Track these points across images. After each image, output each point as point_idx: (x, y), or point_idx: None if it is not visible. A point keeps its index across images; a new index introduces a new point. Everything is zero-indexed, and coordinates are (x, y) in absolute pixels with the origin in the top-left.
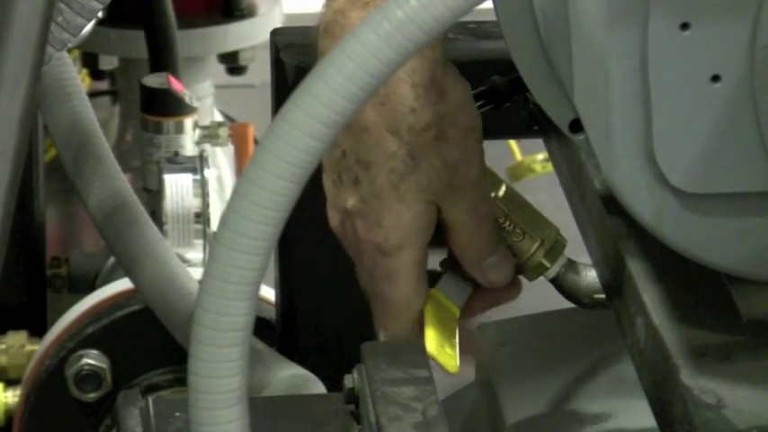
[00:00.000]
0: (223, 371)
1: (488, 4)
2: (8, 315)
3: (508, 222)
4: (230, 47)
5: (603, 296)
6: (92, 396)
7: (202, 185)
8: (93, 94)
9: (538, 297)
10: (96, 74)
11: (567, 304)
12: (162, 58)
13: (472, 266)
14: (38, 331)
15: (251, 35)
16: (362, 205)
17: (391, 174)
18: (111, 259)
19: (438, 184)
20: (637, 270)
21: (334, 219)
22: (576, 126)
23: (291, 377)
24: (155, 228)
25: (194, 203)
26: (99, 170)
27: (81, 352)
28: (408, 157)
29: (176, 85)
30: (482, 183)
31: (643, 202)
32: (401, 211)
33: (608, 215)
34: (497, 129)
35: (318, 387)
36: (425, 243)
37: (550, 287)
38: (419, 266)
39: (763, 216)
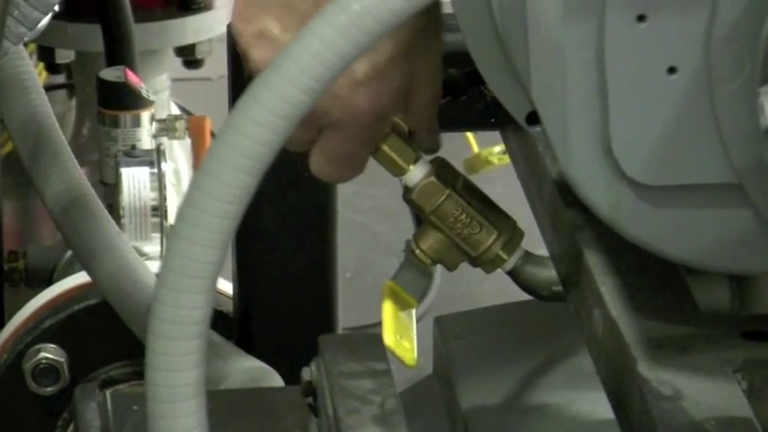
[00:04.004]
0: (181, 364)
1: None
2: None
3: (465, 215)
4: (187, 40)
5: (561, 288)
6: (49, 390)
7: (159, 179)
8: (49, 88)
9: (496, 289)
10: (53, 67)
11: (526, 296)
12: (118, 51)
13: (426, 123)
14: None
15: (208, 28)
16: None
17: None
18: (69, 253)
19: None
20: (594, 262)
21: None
22: (533, 119)
23: (249, 370)
24: (112, 221)
25: (151, 197)
26: (56, 164)
27: (38, 346)
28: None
29: (133, 78)
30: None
31: (600, 194)
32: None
33: (565, 207)
34: (454, 121)
35: (276, 380)
36: None
37: (508, 279)
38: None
39: (720, 207)
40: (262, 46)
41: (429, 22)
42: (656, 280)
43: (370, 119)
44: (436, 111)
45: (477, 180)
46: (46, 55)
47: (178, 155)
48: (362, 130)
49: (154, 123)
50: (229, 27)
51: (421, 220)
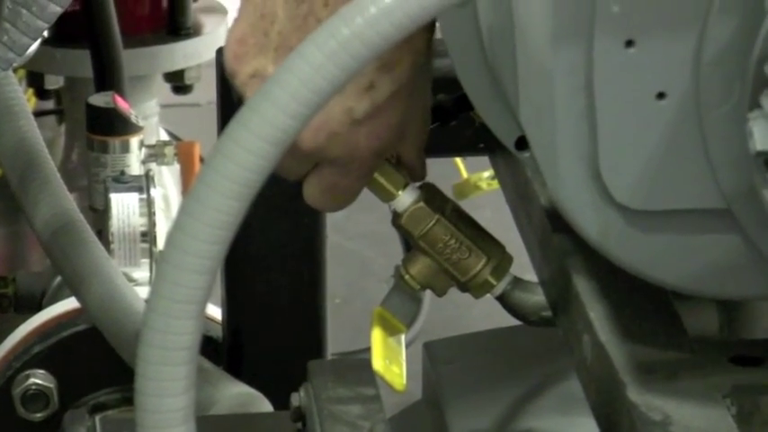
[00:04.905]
0: (170, 389)
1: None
2: None
3: (454, 240)
4: (176, 66)
5: (550, 313)
6: (39, 416)
7: (149, 204)
8: (38, 114)
9: (485, 315)
10: (42, 93)
11: (515, 321)
12: (107, 77)
13: (417, 155)
14: None
15: (197, 54)
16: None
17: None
18: (58, 279)
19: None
20: (583, 287)
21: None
22: (522, 144)
23: (238, 395)
24: (101, 247)
25: (140, 222)
26: (45, 189)
27: (28, 372)
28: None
29: (122, 104)
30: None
31: (589, 219)
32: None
33: (554, 232)
34: (443, 146)
35: (265, 405)
36: None
37: (497, 305)
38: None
39: (709, 233)
40: (258, 86)
41: (428, 57)
42: (645, 305)
43: (369, 156)
44: (426, 139)
45: (466, 205)
46: (35, 81)
47: (167, 180)
48: (360, 166)
49: (143, 149)
50: (218, 53)
51: (410, 245)
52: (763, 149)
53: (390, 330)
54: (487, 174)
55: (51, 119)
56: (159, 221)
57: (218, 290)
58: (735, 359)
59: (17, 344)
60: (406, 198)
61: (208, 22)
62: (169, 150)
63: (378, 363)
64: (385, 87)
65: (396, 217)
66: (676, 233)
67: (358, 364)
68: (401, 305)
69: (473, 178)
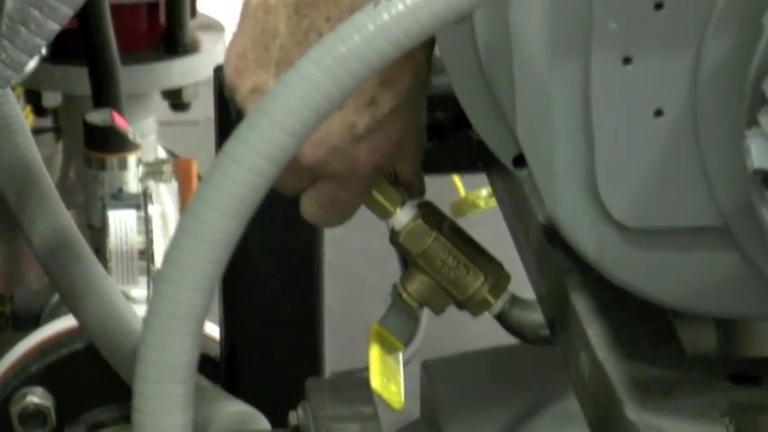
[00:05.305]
0: (168, 408)
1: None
2: None
3: (452, 258)
4: (174, 83)
5: (548, 332)
6: None
7: (146, 222)
8: (36, 131)
9: (482, 333)
10: (40, 111)
11: (512, 340)
12: (105, 94)
13: (415, 174)
14: None
15: (195, 71)
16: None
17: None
18: (56, 297)
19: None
20: (580, 305)
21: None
22: (520, 161)
23: (236, 414)
24: (99, 265)
25: (138, 240)
26: (43, 207)
27: (25, 390)
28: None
29: (120, 121)
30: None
31: (586, 237)
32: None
33: (551, 250)
34: (441, 164)
35: (263, 423)
36: None
37: (495, 323)
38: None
39: (706, 250)
40: (258, 100)
41: (429, 73)
42: (642, 323)
43: (368, 170)
44: (422, 155)
45: (463, 223)
46: (33, 98)
47: (165, 198)
48: (360, 181)
49: (140, 166)
50: (216, 70)
51: (408, 263)
52: (760, 167)
53: (388, 348)
54: (485, 191)
55: (49, 136)
56: (157, 239)
57: (216, 308)
58: (733, 377)
59: (15, 362)
60: (403, 216)
61: (205, 39)
62: (167, 168)
63: (376, 381)
64: (386, 103)
65: (393, 235)
66: (674, 250)
67: (356, 383)
68: (399, 323)
69: (471, 196)
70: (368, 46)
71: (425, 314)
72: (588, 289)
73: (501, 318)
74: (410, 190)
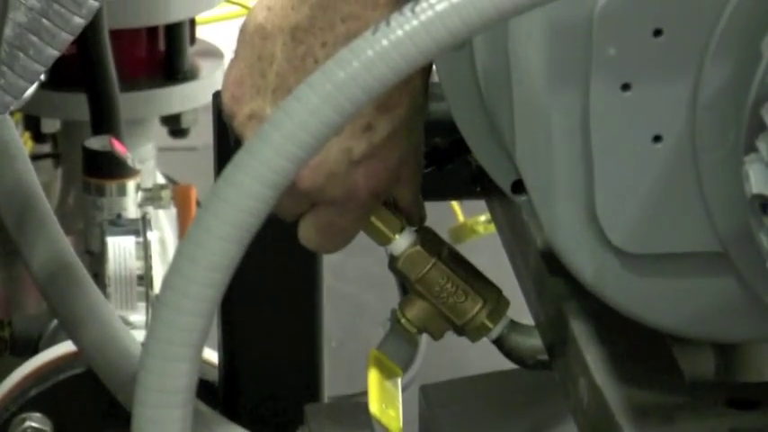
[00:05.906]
0: None
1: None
2: None
3: (450, 283)
4: (173, 109)
5: (546, 357)
6: None
7: (145, 248)
8: (35, 157)
9: (481, 358)
10: (39, 137)
11: (511, 365)
12: (104, 120)
13: (414, 200)
14: None
15: (193, 97)
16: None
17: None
18: (55, 322)
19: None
20: (579, 330)
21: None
22: (518, 187)
23: None
24: (98, 290)
25: (137, 266)
26: (42, 233)
27: (24, 415)
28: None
29: (119, 147)
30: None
31: (585, 262)
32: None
33: (550, 275)
34: (440, 190)
35: None
36: None
37: (494, 348)
38: None
39: (705, 276)
40: (256, 127)
41: (426, 98)
42: (641, 348)
43: (366, 196)
44: (420, 181)
45: (462, 249)
46: (32, 124)
47: (164, 224)
48: (358, 207)
49: (139, 192)
50: (215, 96)
51: (406, 288)
52: (759, 192)
53: (387, 374)
54: (484, 217)
55: (48, 162)
56: (155, 265)
57: (215, 332)
58: (732, 402)
59: (13, 387)
60: (402, 242)
61: (204, 65)
62: (166, 194)
63: (374, 406)
64: (383, 128)
65: (392, 260)
66: (672, 276)
67: (354, 408)
68: (398, 348)
69: (470, 222)
70: (367, 72)
71: (424, 339)
72: (587, 314)
73: (499, 343)
74: (410, 216)
